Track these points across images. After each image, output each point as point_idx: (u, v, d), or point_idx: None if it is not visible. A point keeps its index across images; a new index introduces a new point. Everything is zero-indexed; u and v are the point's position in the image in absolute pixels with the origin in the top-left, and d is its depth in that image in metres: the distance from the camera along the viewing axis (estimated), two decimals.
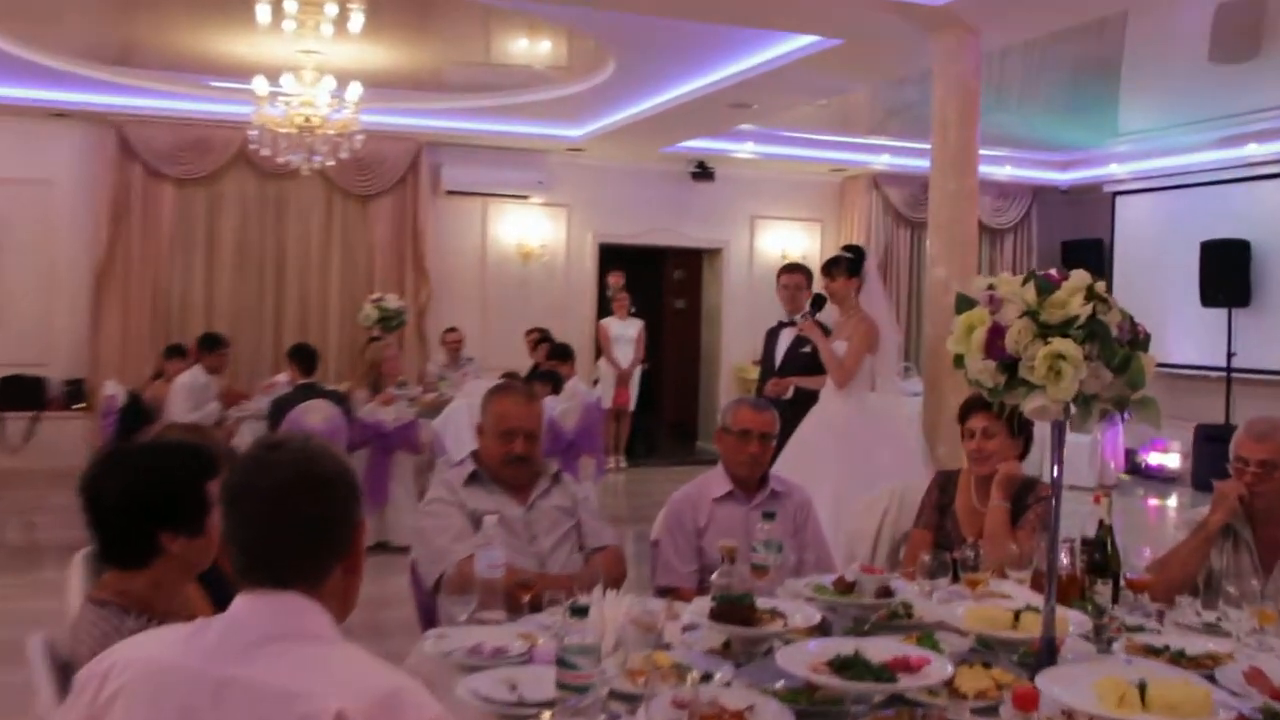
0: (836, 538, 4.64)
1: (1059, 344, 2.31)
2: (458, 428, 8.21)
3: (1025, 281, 2.43)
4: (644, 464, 13.20)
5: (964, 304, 2.51)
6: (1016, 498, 4.01)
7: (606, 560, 3.31)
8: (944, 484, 4.25)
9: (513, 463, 3.73)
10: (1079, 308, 2.33)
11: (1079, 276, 2.38)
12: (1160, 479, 12.59)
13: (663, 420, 15.80)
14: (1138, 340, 2.37)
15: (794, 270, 7.23)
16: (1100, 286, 2.36)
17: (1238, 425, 3.58)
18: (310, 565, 1.80)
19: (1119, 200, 13.98)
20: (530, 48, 9.64)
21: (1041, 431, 4.11)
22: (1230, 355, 12.04)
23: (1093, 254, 14.05)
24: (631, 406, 12.86)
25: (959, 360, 2.53)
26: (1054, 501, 2.50)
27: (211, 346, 9.19)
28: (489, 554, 3.06)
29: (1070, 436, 11.44)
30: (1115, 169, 13.72)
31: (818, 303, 6.82)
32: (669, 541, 4.02)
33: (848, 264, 6.58)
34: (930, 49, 7.46)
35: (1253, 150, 11.94)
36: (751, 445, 4.05)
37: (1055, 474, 2.51)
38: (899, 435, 6.76)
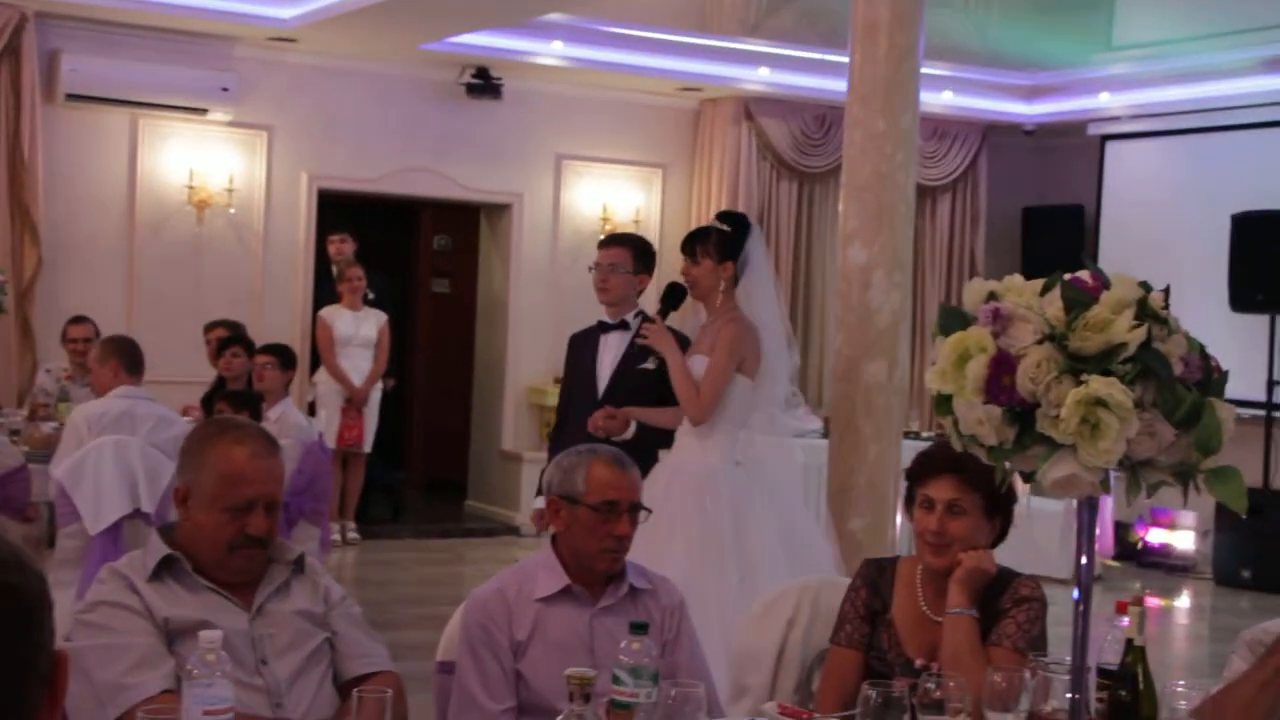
0: (708, 656, 4.74)
1: (1097, 384, 2.45)
2: (97, 478, 8.04)
3: (1046, 290, 2.56)
4: (386, 534, 13.22)
5: (953, 321, 2.63)
6: (985, 602, 4.16)
7: (381, 700, 3.30)
8: (875, 580, 4.37)
9: (245, 548, 3.72)
10: (1127, 331, 2.47)
11: (1124, 285, 2.53)
12: (1165, 567, 13.22)
13: (414, 467, 15.77)
14: (1211, 381, 2.53)
15: (613, 243, 7.37)
16: (1157, 299, 2.51)
17: None
18: None
19: (1111, 148, 14.59)
20: None
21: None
22: (1272, 384, 12.77)
23: (1069, 226, 14.63)
24: (367, 446, 12.86)
25: (944, 404, 2.65)
26: (1081, 611, 2.64)
27: None
28: (208, 692, 3.04)
29: (1027, 504, 11.68)
30: (1107, 100, 14.32)
31: (673, 296, 6.95)
32: (471, 665, 4.04)
33: (720, 241, 6.72)
34: None
35: None
36: (619, 524, 4.11)
37: (1084, 571, 2.66)
38: (791, 500, 6.94)
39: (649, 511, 4.26)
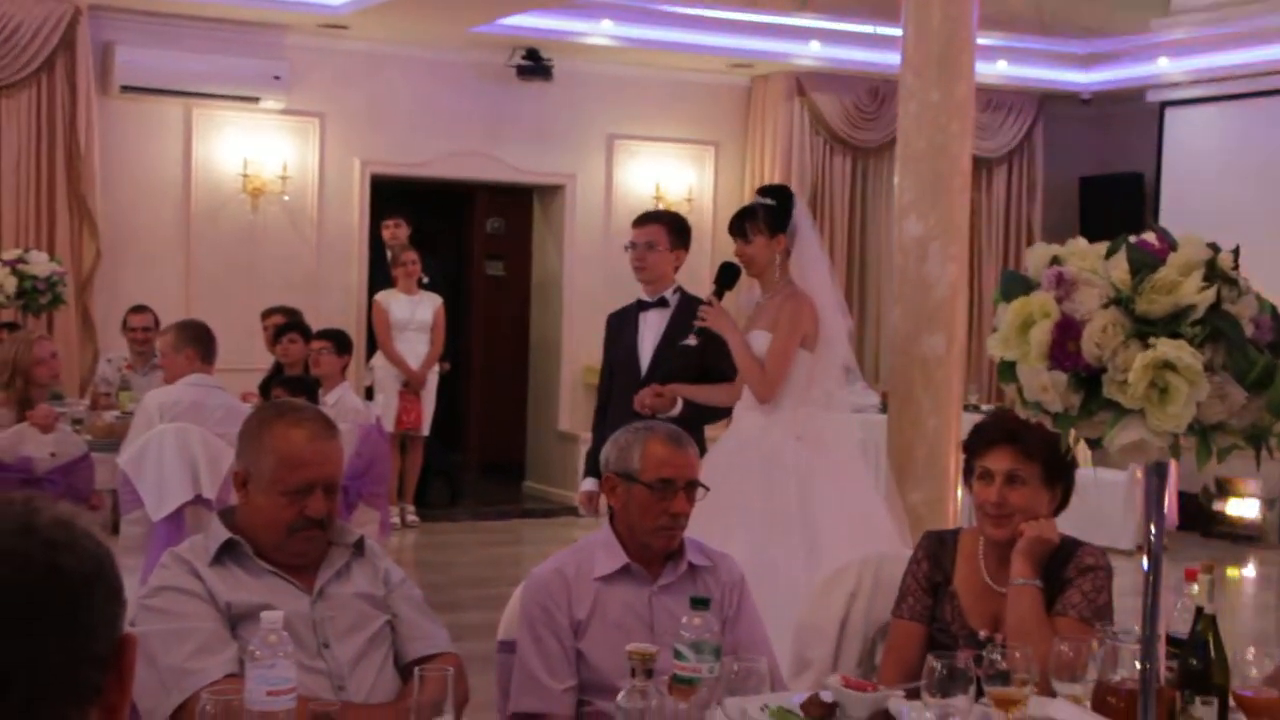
0: (775, 631, 4.74)
1: (1166, 348, 2.40)
2: (159, 464, 8.10)
3: (1111, 253, 2.52)
4: (445, 517, 13.27)
5: (1016, 286, 2.60)
6: (1049, 572, 4.15)
7: (443, 677, 3.30)
8: (936, 552, 4.38)
9: (305, 530, 3.73)
10: (1195, 293, 2.43)
11: (1192, 245, 2.49)
12: (1231, 537, 13.15)
13: (471, 449, 15.81)
14: None
15: (648, 221, 7.33)
16: (1226, 260, 2.47)
17: None
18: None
19: (1170, 114, 14.49)
20: None
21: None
22: None
23: (1128, 195, 14.53)
24: (425, 429, 12.88)
25: (1007, 370, 2.62)
26: (1152, 579, 2.61)
27: None
28: (271, 673, 3.05)
29: (1092, 474, 11.72)
30: (1165, 65, 14.21)
31: (727, 276, 6.92)
32: (531, 644, 4.05)
33: (768, 216, 6.69)
34: None
35: None
36: (675, 501, 4.11)
37: (1154, 539, 2.62)
38: (853, 474, 6.92)
39: (706, 489, 4.25)
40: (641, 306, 7.15)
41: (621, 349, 7.20)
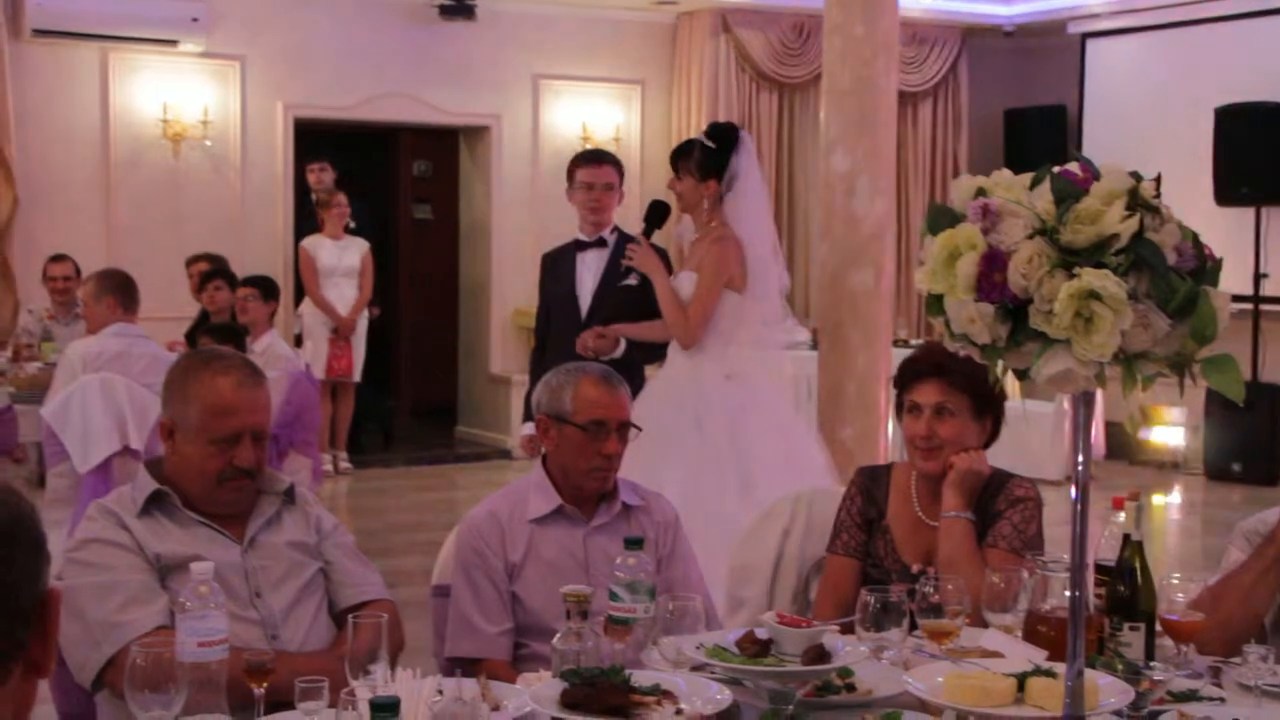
0: (710, 569, 4.76)
1: (1090, 277, 2.41)
2: (84, 416, 8.04)
3: (1035, 183, 2.53)
4: (377, 463, 13.29)
5: (942, 219, 2.60)
6: (980, 504, 4.19)
7: (377, 625, 3.30)
8: (869, 487, 4.41)
9: (234, 479, 3.70)
10: (1119, 222, 2.44)
11: (1115, 175, 2.50)
12: (1156, 464, 13.30)
13: (403, 394, 15.77)
14: (1205, 269, 2.50)
15: (602, 161, 7.22)
16: (1148, 189, 2.48)
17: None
18: None
19: (1091, 45, 14.55)
20: None
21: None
22: (1260, 277, 12.73)
23: (1051, 127, 14.60)
24: (356, 376, 12.87)
25: (935, 304, 2.62)
26: (1079, 509, 2.63)
27: None
28: (202, 624, 3.03)
29: (1020, 405, 11.86)
30: None
31: (656, 214, 6.89)
32: (466, 588, 4.06)
33: (702, 158, 6.64)
34: None
35: None
36: (608, 442, 4.11)
37: (1081, 468, 2.64)
38: (784, 411, 6.95)
39: (638, 429, 4.26)
40: (579, 246, 7.06)
41: (560, 290, 7.11)
